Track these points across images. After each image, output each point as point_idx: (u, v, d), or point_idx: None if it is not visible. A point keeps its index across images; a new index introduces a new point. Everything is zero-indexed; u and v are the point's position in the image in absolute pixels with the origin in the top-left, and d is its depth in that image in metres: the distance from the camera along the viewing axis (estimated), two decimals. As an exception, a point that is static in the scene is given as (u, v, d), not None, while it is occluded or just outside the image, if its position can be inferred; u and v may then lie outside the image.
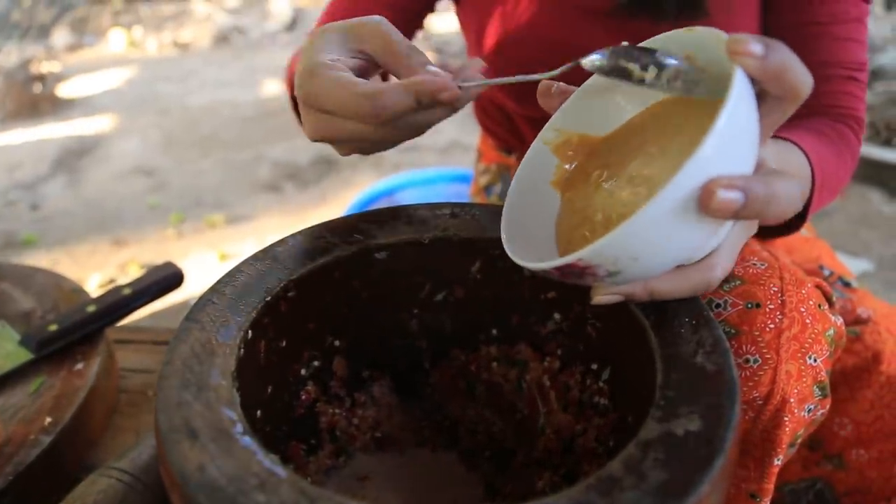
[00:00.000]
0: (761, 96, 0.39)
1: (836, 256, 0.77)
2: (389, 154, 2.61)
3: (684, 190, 0.34)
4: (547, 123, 0.48)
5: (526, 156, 0.48)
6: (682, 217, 0.35)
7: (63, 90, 3.50)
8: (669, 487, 0.31)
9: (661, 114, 0.46)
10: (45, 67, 3.46)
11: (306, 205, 2.32)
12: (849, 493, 0.65)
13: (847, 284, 0.71)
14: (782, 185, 0.37)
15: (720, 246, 0.43)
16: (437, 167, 2.31)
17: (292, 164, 2.61)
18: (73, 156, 2.78)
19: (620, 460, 0.32)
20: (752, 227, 0.47)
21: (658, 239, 0.36)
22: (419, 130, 0.46)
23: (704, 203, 0.34)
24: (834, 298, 0.55)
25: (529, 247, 0.44)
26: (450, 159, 2.59)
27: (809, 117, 0.66)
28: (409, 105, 0.43)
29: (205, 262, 1.98)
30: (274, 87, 3.51)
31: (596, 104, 0.48)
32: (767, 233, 0.60)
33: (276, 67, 3.75)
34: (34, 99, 3.26)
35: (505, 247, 0.42)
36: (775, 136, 0.54)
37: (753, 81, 0.37)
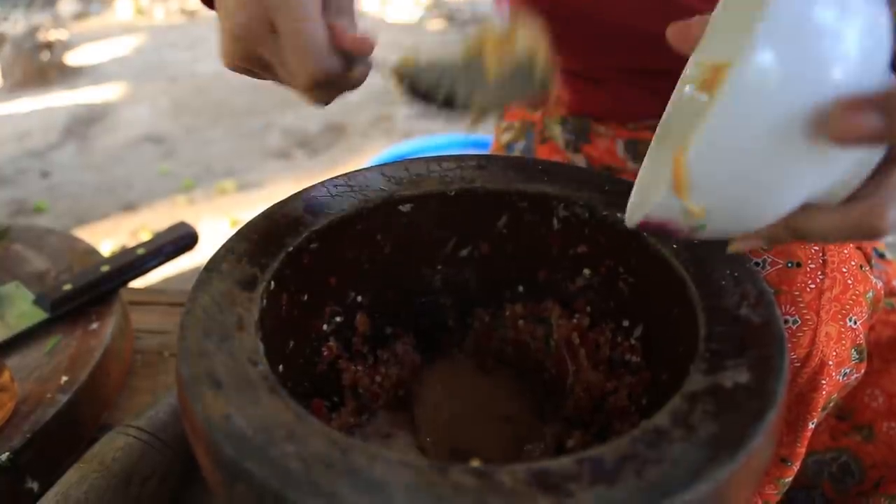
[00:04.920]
0: None
1: None
2: (400, 121, 2.57)
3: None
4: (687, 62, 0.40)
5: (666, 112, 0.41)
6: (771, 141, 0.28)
7: (71, 58, 3.46)
8: (721, 440, 0.29)
9: None
10: (53, 35, 3.41)
11: (316, 172, 2.29)
12: (875, 465, 0.63)
13: (881, 255, 0.69)
14: None
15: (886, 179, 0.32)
16: (450, 133, 2.27)
17: (302, 132, 2.58)
18: (83, 123, 2.75)
19: (667, 412, 0.31)
20: None
21: (737, 173, 0.29)
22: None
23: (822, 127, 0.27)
24: (873, 262, 0.53)
25: None
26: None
27: None
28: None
29: (217, 228, 1.96)
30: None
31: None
32: None
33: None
34: (42, 67, 3.22)
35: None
36: None
37: None
